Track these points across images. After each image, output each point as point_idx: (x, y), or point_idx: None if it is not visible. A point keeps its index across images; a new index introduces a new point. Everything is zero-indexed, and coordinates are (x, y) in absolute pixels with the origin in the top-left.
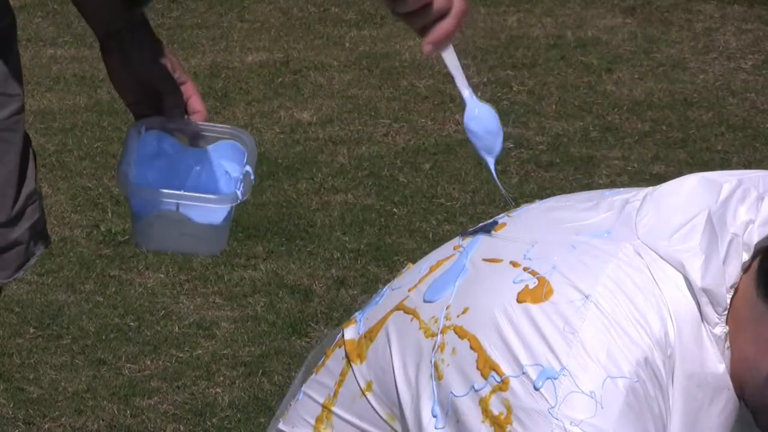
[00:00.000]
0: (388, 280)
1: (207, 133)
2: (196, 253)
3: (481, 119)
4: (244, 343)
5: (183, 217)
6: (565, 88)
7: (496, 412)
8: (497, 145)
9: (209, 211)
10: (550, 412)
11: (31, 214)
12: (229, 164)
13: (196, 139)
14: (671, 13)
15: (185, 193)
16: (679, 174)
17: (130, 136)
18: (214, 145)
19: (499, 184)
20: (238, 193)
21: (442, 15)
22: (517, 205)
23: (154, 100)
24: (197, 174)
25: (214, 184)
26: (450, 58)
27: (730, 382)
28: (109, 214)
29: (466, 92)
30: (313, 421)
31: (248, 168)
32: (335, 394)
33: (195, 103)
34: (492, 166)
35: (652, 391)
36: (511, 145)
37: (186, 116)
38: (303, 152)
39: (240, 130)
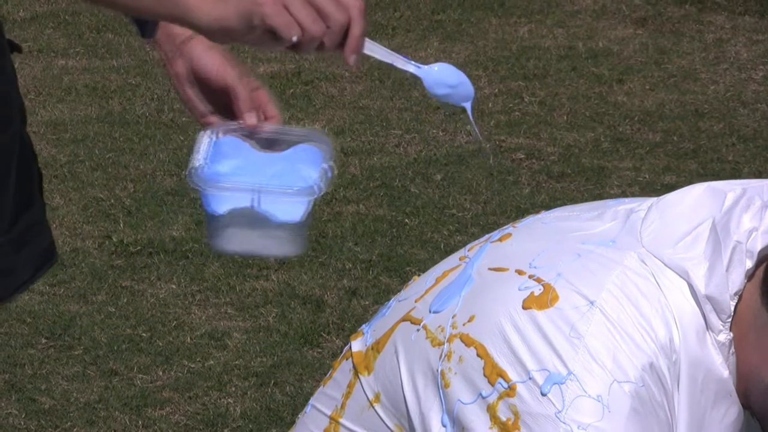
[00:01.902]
0: (400, 291)
1: (282, 137)
2: (275, 255)
3: (440, 82)
4: (255, 354)
5: (260, 215)
6: (577, 98)
7: (503, 418)
8: (468, 90)
9: (287, 207)
10: (557, 417)
11: (32, 235)
12: (306, 167)
13: (271, 143)
14: (682, 24)
15: (262, 186)
16: (690, 184)
17: (201, 140)
18: (291, 149)
19: (475, 128)
20: (316, 187)
21: (347, 26)
22: (525, 215)
23: (223, 109)
24: (273, 178)
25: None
26: (376, 50)
27: (734, 389)
28: (121, 225)
29: (412, 68)
30: None
31: (326, 165)
32: (343, 405)
33: (269, 109)
34: (469, 111)
35: (657, 396)
36: (523, 156)
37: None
38: None
39: (316, 132)
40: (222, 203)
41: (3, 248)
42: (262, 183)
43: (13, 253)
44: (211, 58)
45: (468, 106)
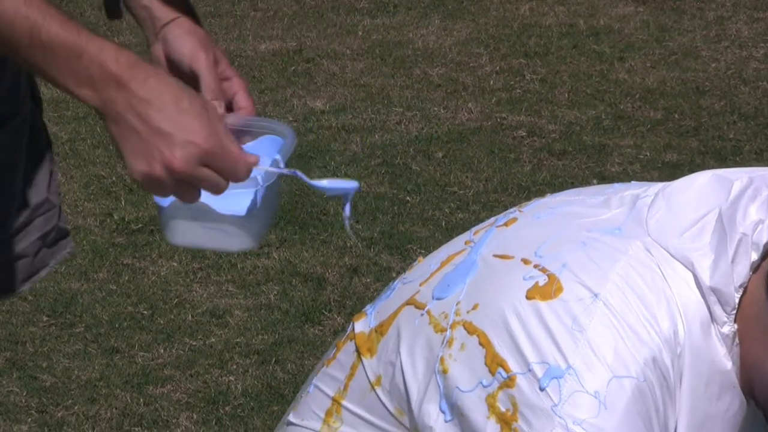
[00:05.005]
0: (401, 269)
1: (247, 128)
2: (225, 249)
3: (327, 189)
4: (257, 331)
5: (203, 206)
6: (578, 76)
7: (503, 409)
8: (350, 190)
9: (231, 200)
10: (553, 410)
11: (42, 225)
12: (268, 160)
13: (239, 135)
14: (683, 1)
15: None
16: (691, 162)
17: None
18: (256, 140)
19: (347, 224)
20: (258, 177)
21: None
22: (528, 197)
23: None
24: None
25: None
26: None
27: (737, 381)
28: (123, 203)
29: (305, 180)
30: (323, 415)
31: (277, 156)
32: (345, 387)
33: (240, 99)
34: (347, 210)
35: (658, 392)
36: (524, 134)
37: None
38: (316, 140)
39: (279, 123)
40: None
41: (12, 239)
42: None
43: (19, 245)
44: (184, 43)
45: (347, 206)
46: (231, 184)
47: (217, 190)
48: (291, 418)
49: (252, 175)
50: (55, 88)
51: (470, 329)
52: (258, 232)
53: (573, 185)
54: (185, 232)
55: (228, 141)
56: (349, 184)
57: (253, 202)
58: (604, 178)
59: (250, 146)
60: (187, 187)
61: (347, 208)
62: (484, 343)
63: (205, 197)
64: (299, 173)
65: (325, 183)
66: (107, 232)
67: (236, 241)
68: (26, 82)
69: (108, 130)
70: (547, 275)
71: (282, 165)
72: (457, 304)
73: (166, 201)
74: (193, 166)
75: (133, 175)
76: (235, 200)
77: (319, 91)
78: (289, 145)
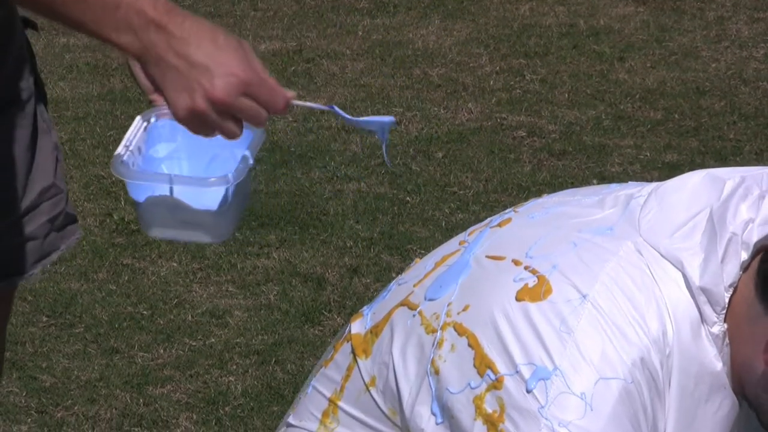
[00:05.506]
0: (401, 269)
1: None
2: (198, 241)
3: (364, 123)
4: (257, 332)
5: (177, 202)
6: (578, 76)
7: (490, 410)
8: (386, 125)
9: (204, 195)
10: (539, 412)
11: (50, 209)
12: (241, 152)
13: None
14: (683, 1)
15: (173, 174)
16: (692, 162)
17: (136, 124)
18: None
19: (385, 150)
20: (229, 175)
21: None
22: (528, 197)
23: None
24: (210, 162)
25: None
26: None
27: (728, 381)
28: (122, 203)
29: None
30: (319, 415)
31: (246, 152)
32: (342, 388)
33: None
34: (384, 139)
35: (646, 393)
36: (524, 134)
37: None
38: (316, 141)
39: None
40: (141, 191)
41: (20, 222)
42: (178, 171)
43: (28, 227)
44: None
45: (384, 135)
46: (203, 182)
47: (258, 120)
48: (290, 419)
49: (224, 173)
50: (93, 38)
51: (460, 330)
52: (229, 226)
53: (573, 185)
54: (161, 226)
55: (265, 74)
56: (385, 119)
57: (225, 197)
58: (604, 179)
59: (218, 139)
60: (229, 119)
61: (385, 139)
62: (474, 344)
63: (179, 193)
64: (336, 108)
65: (361, 119)
66: (107, 232)
67: (209, 235)
68: (29, 69)
69: (149, 74)
70: (537, 276)
71: (251, 160)
72: (448, 305)
73: (143, 197)
74: (234, 96)
75: (178, 114)
76: (208, 196)
77: (319, 92)
78: (258, 139)
